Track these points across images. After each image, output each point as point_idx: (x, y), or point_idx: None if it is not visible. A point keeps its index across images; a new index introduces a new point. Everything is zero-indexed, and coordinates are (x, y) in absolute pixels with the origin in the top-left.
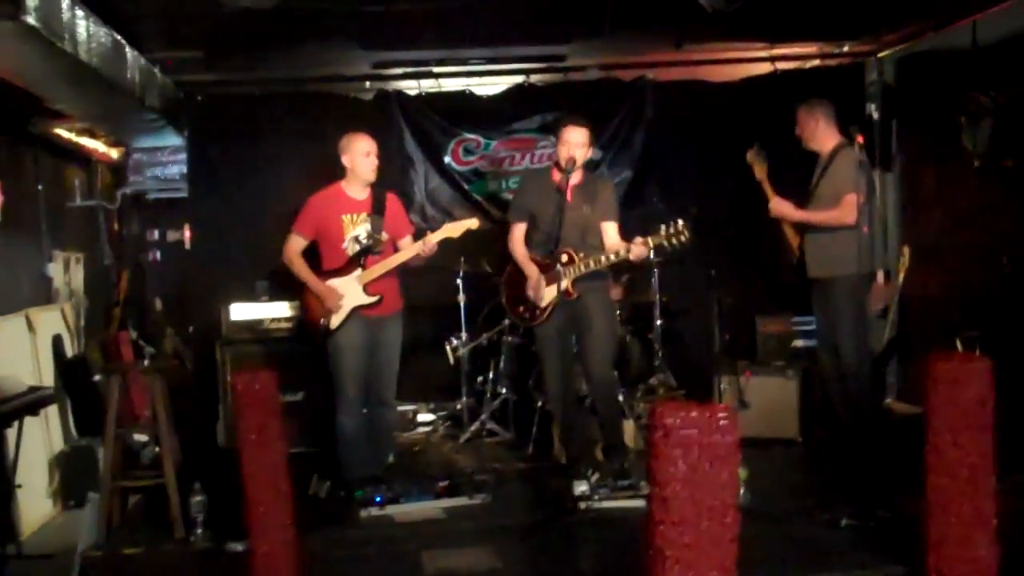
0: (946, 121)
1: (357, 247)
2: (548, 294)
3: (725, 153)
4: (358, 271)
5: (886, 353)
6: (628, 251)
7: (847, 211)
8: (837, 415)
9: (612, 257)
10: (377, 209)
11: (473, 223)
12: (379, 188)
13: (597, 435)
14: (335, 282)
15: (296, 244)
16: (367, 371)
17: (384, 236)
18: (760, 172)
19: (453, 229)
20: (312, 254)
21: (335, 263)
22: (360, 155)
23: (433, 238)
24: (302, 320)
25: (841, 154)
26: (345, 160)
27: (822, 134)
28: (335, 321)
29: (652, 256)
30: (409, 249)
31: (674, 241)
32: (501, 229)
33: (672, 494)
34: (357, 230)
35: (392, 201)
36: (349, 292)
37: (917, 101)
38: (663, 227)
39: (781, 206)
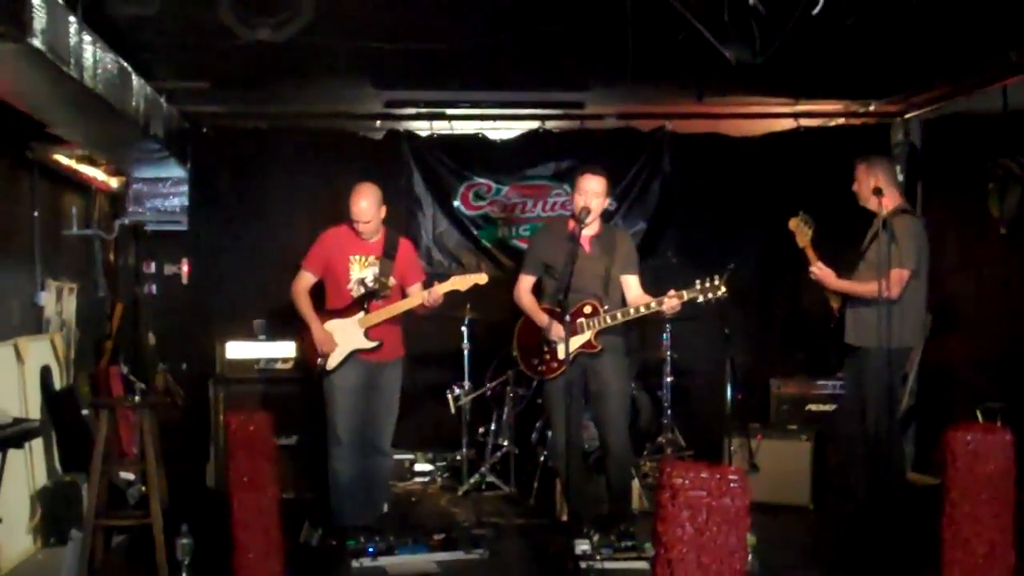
0: (973, 186)
1: (362, 290)
2: (566, 345)
3: (744, 209)
4: (360, 314)
5: (905, 422)
6: (660, 304)
7: (894, 287)
8: (852, 483)
9: (642, 310)
10: (388, 253)
11: (482, 278)
12: (392, 231)
13: (600, 493)
14: (335, 323)
15: (304, 280)
16: (363, 417)
17: (391, 281)
18: (803, 240)
19: (461, 282)
20: (320, 292)
21: (338, 303)
22: (352, 217)
23: (440, 289)
24: (301, 357)
25: (900, 219)
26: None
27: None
28: (332, 362)
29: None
30: (414, 298)
31: (710, 296)
32: (509, 277)
33: (678, 556)
34: (364, 272)
35: (405, 246)
36: (349, 334)
37: (944, 164)
38: (699, 281)
39: (824, 274)
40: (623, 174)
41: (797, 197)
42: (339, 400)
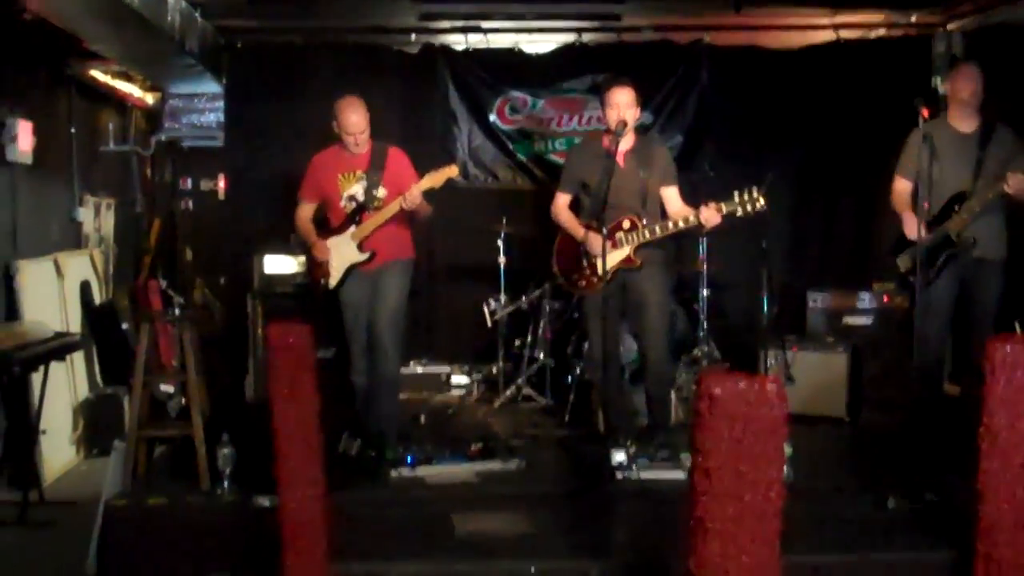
0: (1016, 98)
1: (353, 204)
2: (608, 260)
3: (782, 122)
4: (352, 228)
5: None
6: (698, 217)
7: None
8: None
9: (681, 224)
10: (376, 164)
11: (453, 171)
12: (380, 143)
13: (637, 406)
14: (332, 241)
15: (303, 211)
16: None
17: (382, 192)
18: None
19: (435, 179)
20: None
21: (335, 222)
22: (344, 131)
23: (415, 189)
24: (307, 281)
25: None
26: (334, 125)
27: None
28: (332, 280)
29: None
30: (394, 204)
31: (748, 208)
32: (545, 191)
33: (716, 465)
34: (354, 188)
35: (394, 155)
36: (344, 250)
37: (987, 76)
38: (736, 193)
39: None
40: (660, 87)
41: (836, 110)
42: (347, 316)
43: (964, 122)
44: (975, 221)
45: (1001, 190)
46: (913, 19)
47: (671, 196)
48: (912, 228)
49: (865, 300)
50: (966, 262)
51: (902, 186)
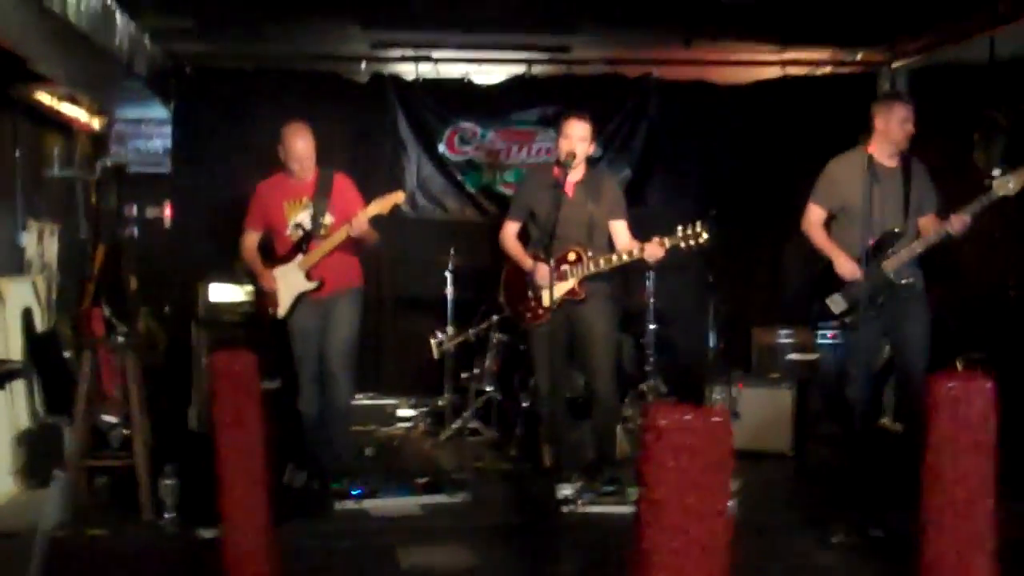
0: (959, 137)
1: (300, 232)
2: (552, 291)
3: (730, 156)
4: (299, 257)
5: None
6: (642, 251)
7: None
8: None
9: (625, 257)
10: (322, 191)
11: (399, 197)
12: (326, 169)
13: (583, 439)
14: (280, 271)
15: (248, 239)
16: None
17: (329, 219)
18: None
19: (380, 204)
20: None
21: (282, 250)
22: (290, 158)
23: (362, 216)
24: (255, 310)
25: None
26: (280, 151)
27: None
28: (281, 310)
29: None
30: (341, 231)
31: (692, 243)
32: (493, 223)
33: (662, 497)
34: (300, 215)
35: (340, 181)
36: (292, 279)
37: (930, 115)
38: (680, 228)
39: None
40: (609, 120)
41: (783, 145)
42: (296, 345)
43: (888, 157)
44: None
45: (944, 233)
46: (859, 56)
47: (619, 230)
48: (847, 268)
49: (802, 337)
50: (897, 299)
51: (816, 214)
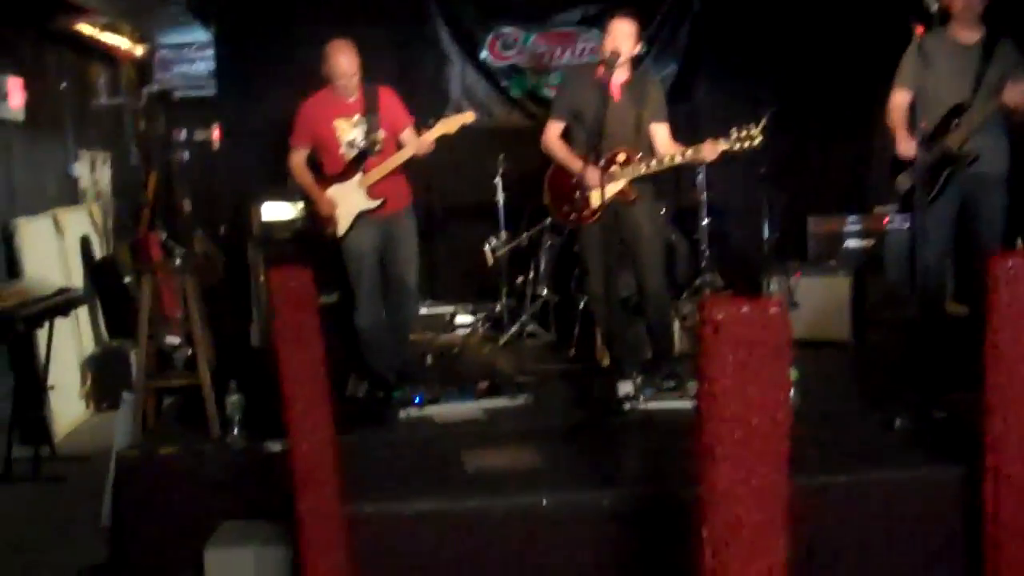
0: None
1: (354, 151)
2: (602, 191)
3: (775, 48)
4: (359, 175)
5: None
6: (697, 152)
7: None
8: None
9: (678, 159)
10: (370, 108)
11: (469, 117)
12: (370, 84)
13: (641, 336)
14: (336, 189)
15: (296, 157)
16: (385, 270)
17: (381, 135)
18: None
19: (449, 125)
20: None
21: (335, 169)
22: (335, 75)
23: (429, 136)
24: (309, 227)
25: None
26: (324, 69)
27: None
28: (341, 228)
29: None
30: (407, 149)
31: (745, 145)
32: (540, 128)
33: (722, 390)
34: (352, 133)
35: (385, 95)
36: (352, 198)
37: None
38: (734, 130)
39: None
40: (652, 15)
41: (831, 33)
42: (354, 265)
43: (966, 34)
44: (975, 135)
45: (1000, 102)
46: None
47: (661, 132)
48: (905, 146)
49: (863, 223)
50: (967, 178)
51: (900, 97)
